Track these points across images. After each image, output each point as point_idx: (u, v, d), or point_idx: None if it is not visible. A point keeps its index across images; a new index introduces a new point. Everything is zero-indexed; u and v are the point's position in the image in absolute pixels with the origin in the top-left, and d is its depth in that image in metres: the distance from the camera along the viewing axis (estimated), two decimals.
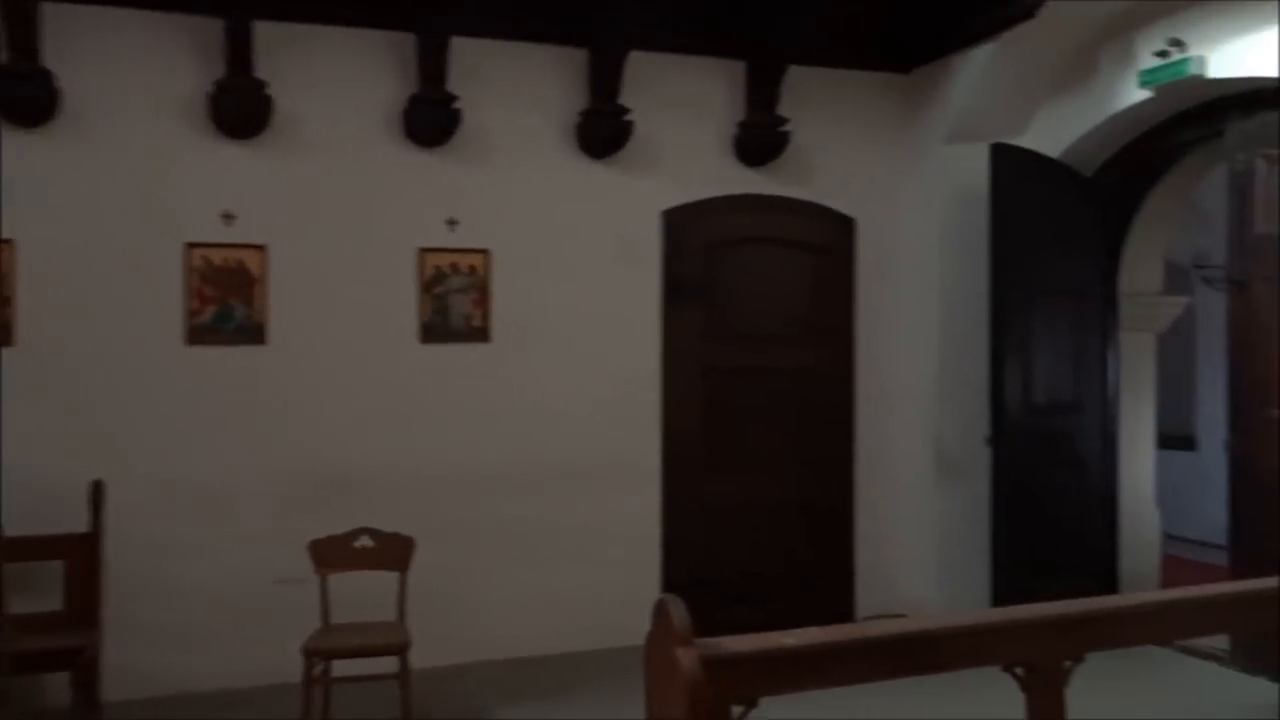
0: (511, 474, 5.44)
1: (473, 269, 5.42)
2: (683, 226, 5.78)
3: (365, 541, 4.46)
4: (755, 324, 5.92)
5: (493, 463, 5.41)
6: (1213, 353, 7.99)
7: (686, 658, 2.13)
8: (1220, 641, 5.27)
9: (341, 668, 4.29)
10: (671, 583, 5.70)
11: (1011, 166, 5.53)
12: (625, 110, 5.52)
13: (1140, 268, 5.97)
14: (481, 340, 5.43)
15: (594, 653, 5.40)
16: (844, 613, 6.06)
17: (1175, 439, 7.99)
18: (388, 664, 4.23)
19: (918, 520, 6.06)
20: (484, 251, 5.43)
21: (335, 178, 5.19)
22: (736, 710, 2.20)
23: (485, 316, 5.43)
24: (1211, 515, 7.60)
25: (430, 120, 5.26)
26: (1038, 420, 5.62)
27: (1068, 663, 2.51)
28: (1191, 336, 8.15)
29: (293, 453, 5.09)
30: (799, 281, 6.02)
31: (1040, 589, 5.58)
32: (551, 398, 5.53)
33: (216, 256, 5.03)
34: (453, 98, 5.21)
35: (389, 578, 4.45)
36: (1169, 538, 6.49)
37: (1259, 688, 4.90)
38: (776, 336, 5.97)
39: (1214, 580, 6.68)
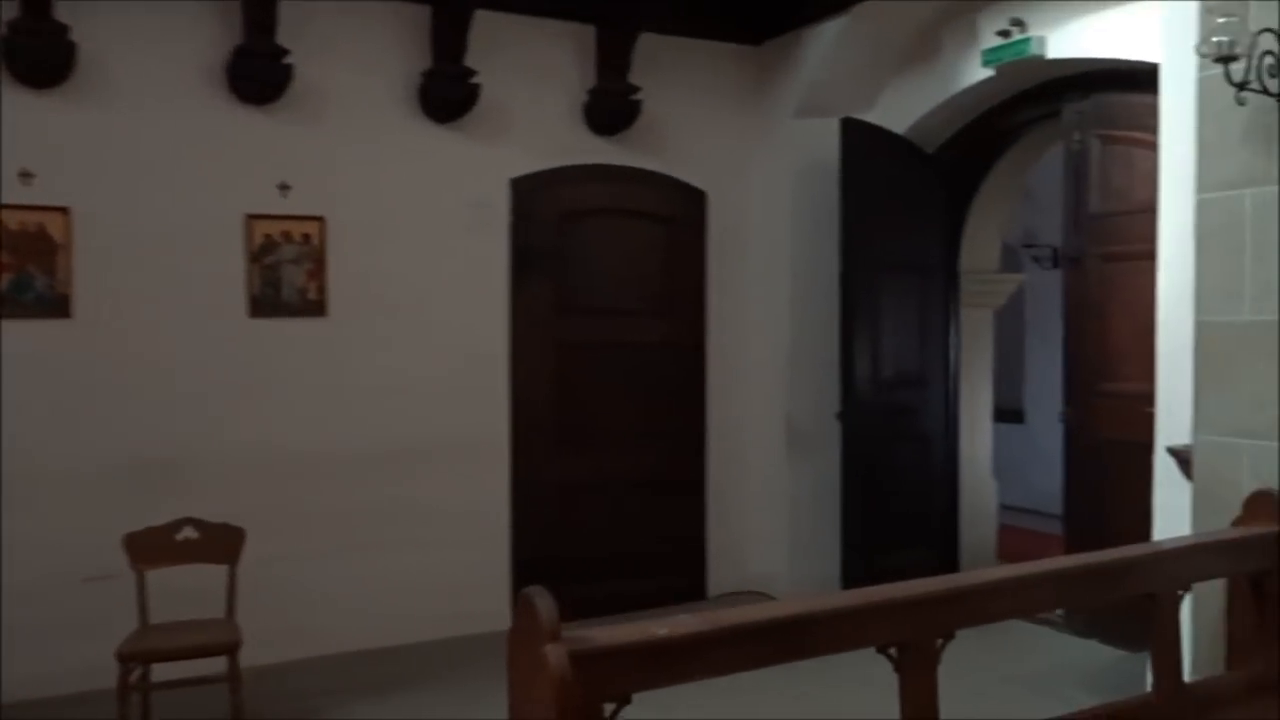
0: (350, 456, 5.12)
1: (307, 238, 5.05)
2: (532, 196, 5.56)
3: (189, 533, 4.08)
4: (606, 297, 5.77)
5: (330, 444, 5.08)
6: (1040, 329, 8.35)
7: (555, 654, 1.95)
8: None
9: (165, 671, 3.92)
10: (521, 564, 5.53)
11: (861, 141, 5.55)
12: (471, 73, 5.25)
13: (979, 245, 6.12)
14: (317, 314, 5.07)
15: (442, 642, 5.18)
16: (696, 590, 6.01)
17: (1005, 412, 8.30)
18: (217, 665, 3.90)
19: (769, 496, 6.06)
20: (319, 219, 5.07)
21: (150, 135, 4.73)
22: (608, 708, 2.04)
23: (321, 289, 5.08)
24: (1039, 485, 7.94)
25: (258, 75, 4.86)
26: (885, 395, 5.69)
27: (940, 640, 2.46)
28: (1020, 313, 8.47)
29: (104, 437, 4.63)
30: (650, 255, 5.89)
31: (887, 564, 5.68)
32: (393, 374, 5.23)
33: (12, 219, 4.50)
34: (283, 51, 4.82)
35: (217, 571, 4.09)
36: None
37: (1091, 650, 5.10)
38: (628, 311, 5.83)
39: (1047, 547, 6.99)
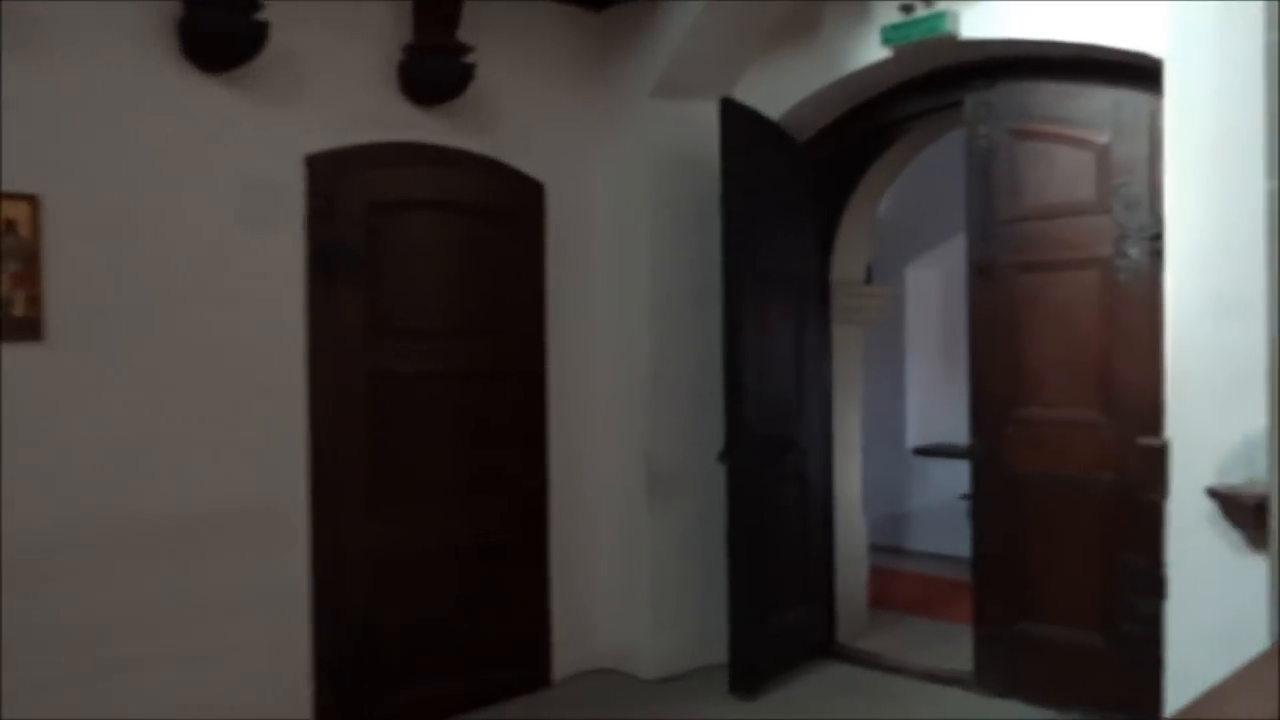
0: (83, 538, 3.56)
1: (11, 225, 3.46)
2: (335, 180, 4.20)
3: None
4: (429, 314, 4.50)
5: (52, 524, 3.49)
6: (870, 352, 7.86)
7: None
8: (964, 664, 4.83)
9: None
10: (325, 667, 4.15)
11: (743, 128, 4.66)
12: (254, 5, 3.85)
13: (852, 253, 5.41)
14: (28, 337, 3.47)
15: None
16: (539, 677, 4.85)
17: None
18: None
19: (624, 554, 5.02)
20: (30, 199, 3.48)
21: None
22: None
23: (35, 300, 3.48)
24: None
25: None
26: (770, 429, 4.81)
27: None
28: None
29: None
30: (482, 260, 4.69)
31: (774, 627, 4.82)
32: (144, 421, 3.71)
33: None
34: None
35: None
36: None
37: (1012, 712, 4.48)
38: (455, 330, 4.59)
39: (923, 591, 6.38)
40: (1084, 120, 4.32)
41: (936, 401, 7.99)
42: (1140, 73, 4.14)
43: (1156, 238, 4.07)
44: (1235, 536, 3.16)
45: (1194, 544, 3.25)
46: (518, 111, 4.80)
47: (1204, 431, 3.22)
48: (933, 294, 7.86)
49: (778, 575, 4.84)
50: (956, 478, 7.47)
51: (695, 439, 4.97)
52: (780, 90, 4.97)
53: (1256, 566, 3.12)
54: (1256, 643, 3.12)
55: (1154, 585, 4.09)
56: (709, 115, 4.84)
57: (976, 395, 4.69)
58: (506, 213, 4.80)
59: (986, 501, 4.66)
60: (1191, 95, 3.28)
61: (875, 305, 5.63)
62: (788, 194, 4.96)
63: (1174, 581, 3.32)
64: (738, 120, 4.62)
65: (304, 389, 4.13)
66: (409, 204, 4.45)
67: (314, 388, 4.15)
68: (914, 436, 7.80)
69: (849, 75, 4.79)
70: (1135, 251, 4.17)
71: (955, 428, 7.95)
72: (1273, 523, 2.84)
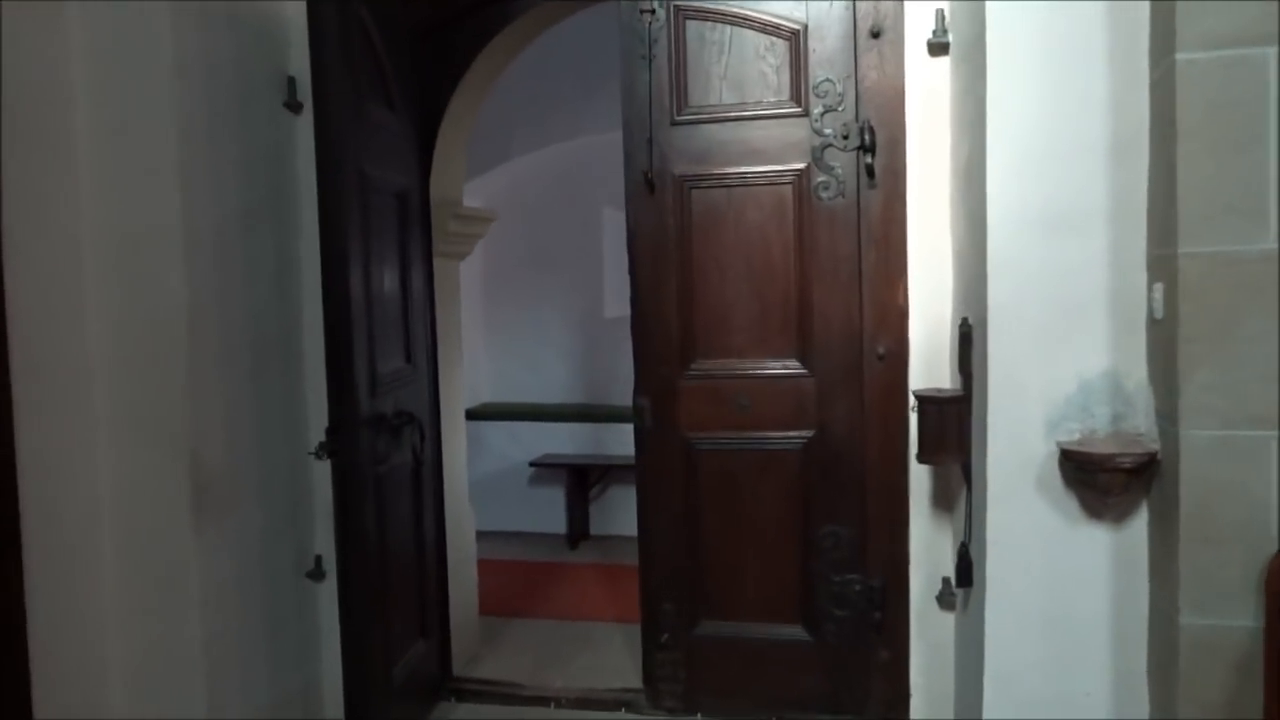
0: None
1: None
2: None
3: None
4: None
5: None
6: None
7: None
8: (621, 678, 3.92)
9: None
10: None
11: None
12: None
13: (453, 165, 4.13)
14: None
15: None
16: None
17: None
18: None
19: (157, 599, 3.29)
20: None
21: None
22: None
23: None
24: None
25: None
26: (383, 402, 3.40)
27: None
28: None
29: None
30: None
31: (398, 669, 3.50)
32: None
33: None
34: None
35: None
36: None
37: None
38: None
39: (516, 584, 5.28)
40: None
41: (482, 356, 7.02)
42: None
43: (863, 149, 3.44)
44: (1071, 504, 2.56)
45: (1017, 515, 2.61)
46: None
47: (1028, 376, 2.58)
48: None
49: (399, 602, 3.50)
50: (517, 442, 6.62)
51: (261, 422, 3.42)
52: None
53: (1095, 539, 2.56)
54: (1093, 628, 2.58)
55: (863, 561, 3.55)
56: None
57: (641, 345, 3.73)
58: None
59: (655, 475, 3.74)
60: None
61: (476, 233, 4.41)
62: (384, 75, 3.54)
63: (991, 561, 2.65)
64: None
65: None
66: None
67: None
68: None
69: None
70: (839, 164, 3.48)
71: (505, 385, 7.07)
72: (1181, 487, 2.24)
